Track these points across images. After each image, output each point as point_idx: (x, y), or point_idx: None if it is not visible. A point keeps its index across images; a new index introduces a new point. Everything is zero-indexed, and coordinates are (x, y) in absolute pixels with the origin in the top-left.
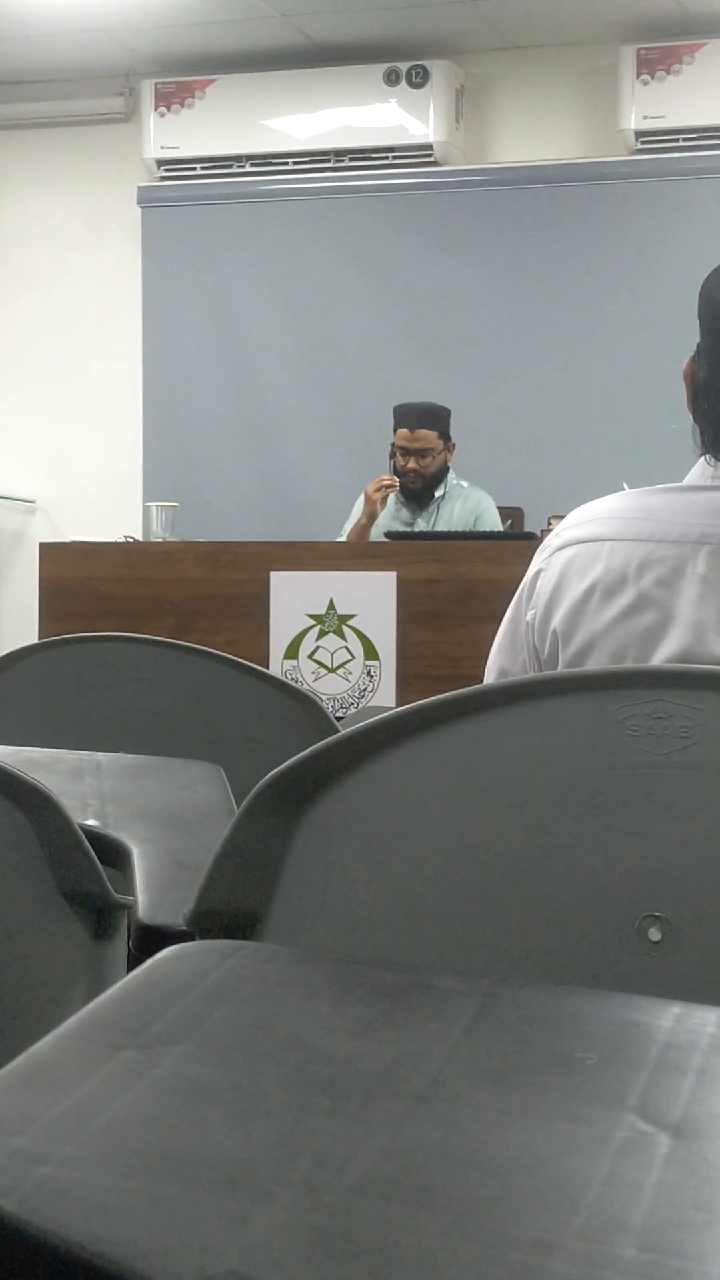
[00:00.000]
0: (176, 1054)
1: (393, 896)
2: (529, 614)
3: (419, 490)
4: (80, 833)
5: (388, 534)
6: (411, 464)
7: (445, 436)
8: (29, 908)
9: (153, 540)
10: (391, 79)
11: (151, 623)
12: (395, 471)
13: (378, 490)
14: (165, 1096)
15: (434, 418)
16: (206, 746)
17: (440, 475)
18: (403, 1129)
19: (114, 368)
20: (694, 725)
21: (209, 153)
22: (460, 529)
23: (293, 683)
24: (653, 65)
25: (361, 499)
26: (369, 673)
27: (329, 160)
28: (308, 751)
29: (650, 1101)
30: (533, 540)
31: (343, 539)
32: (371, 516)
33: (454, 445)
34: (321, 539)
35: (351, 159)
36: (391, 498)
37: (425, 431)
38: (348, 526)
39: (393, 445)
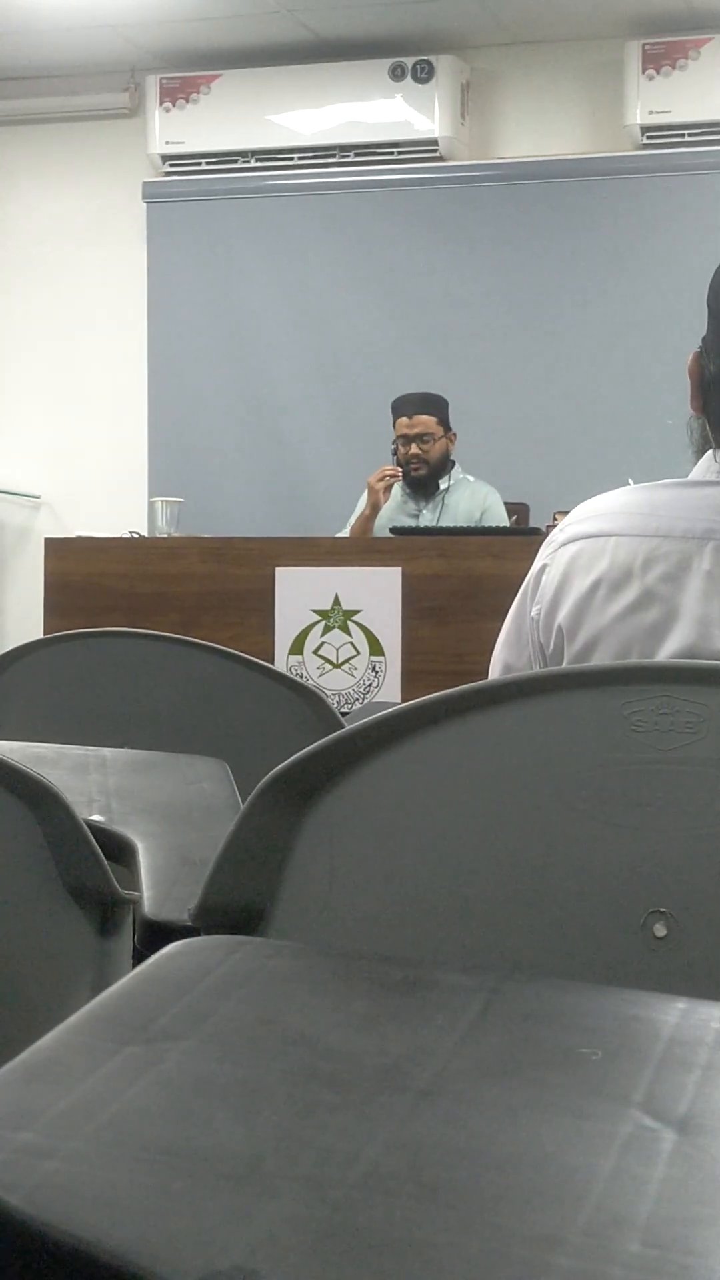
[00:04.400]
0: (181, 1049)
1: (397, 892)
2: (534, 609)
3: (423, 478)
4: (85, 828)
5: (393, 529)
6: (413, 450)
7: (444, 424)
8: (34, 903)
9: (158, 536)
10: (397, 74)
11: (156, 618)
12: (398, 463)
13: (380, 480)
14: (170, 1092)
15: (431, 404)
16: (211, 742)
17: (443, 464)
18: (408, 1124)
19: (119, 363)
20: (700, 720)
21: (214, 148)
22: (467, 522)
23: (298, 678)
24: (658, 60)
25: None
26: (374, 668)
27: (334, 155)
28: (312, 747)
29: (656, 1097)
30: (538, 536)
31: (345, 533)
32: (375, 507)
33: (455, 435)
34: (327, 535)
35: (357, 154)
36: (397, 490)
37: (423, 417)
38: (352, 520)
39: (394, 440)
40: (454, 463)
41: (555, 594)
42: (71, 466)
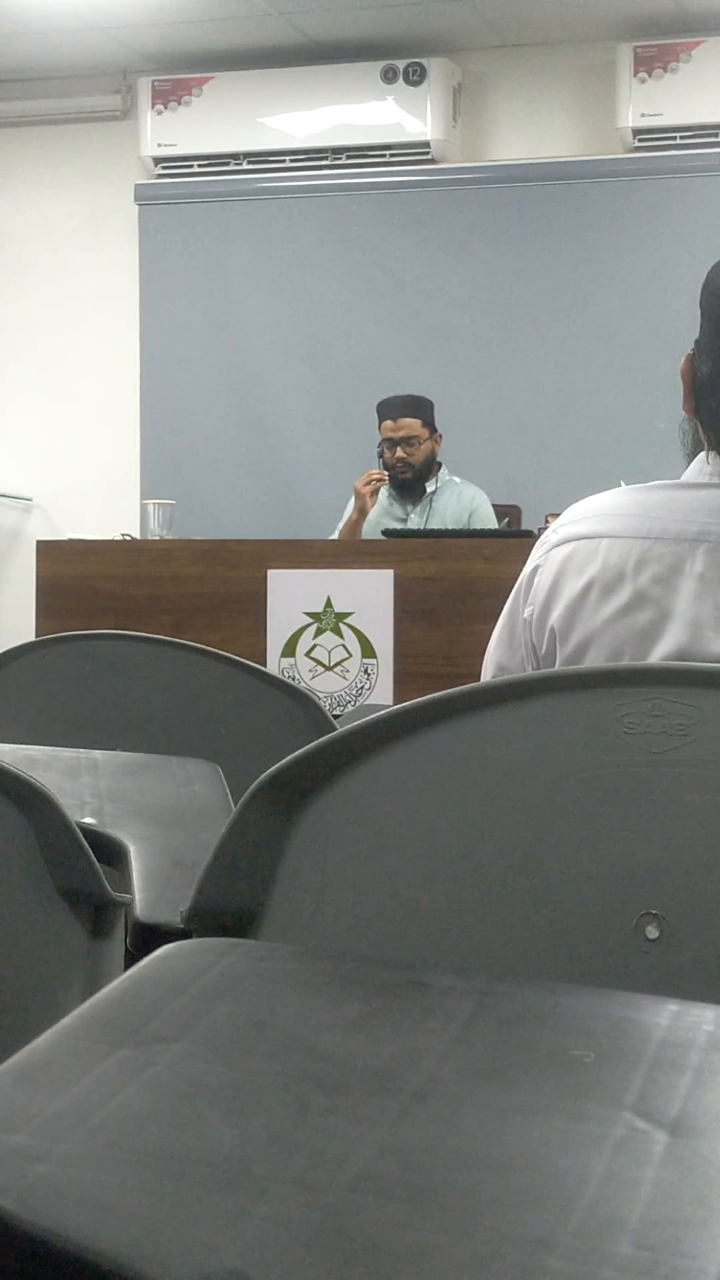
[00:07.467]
0: (173, 1052)
1: (389, 894)
2: (526, 611)
3: (409, 480)
4: (77, 830)
5: (385, 532)
6: (399, 453)
7: (430, 426)
8: (26, 905)
9: (150, 538)
10: (389, 77)
11: (149, 621)
12: (384, 466)
13: (366, 484)
14: (162, 1094)
15: (415, 406)
16: (204, 744)
17: (429, 466)
18: (400, 1127)
19: (111, 365)
20: (691, 723)
21: (206, 150)
22: (454, 524)
23: (290, 681)
24: (650, 63)
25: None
26: (366, 671)
27: (326, 158)
28: (305, 749)
29: (647, 1099)
30: (530, 538)
31: (335, 537)
32: (362, 511)
33: (440, 436)
34: (319, 537)
35: (349, 157)
36: (383, 494)
37: (408, 420)
38: (340, 525)
39: (379, 444)
40: (440, 464)
41: (548, 595)
42: (64, 469)
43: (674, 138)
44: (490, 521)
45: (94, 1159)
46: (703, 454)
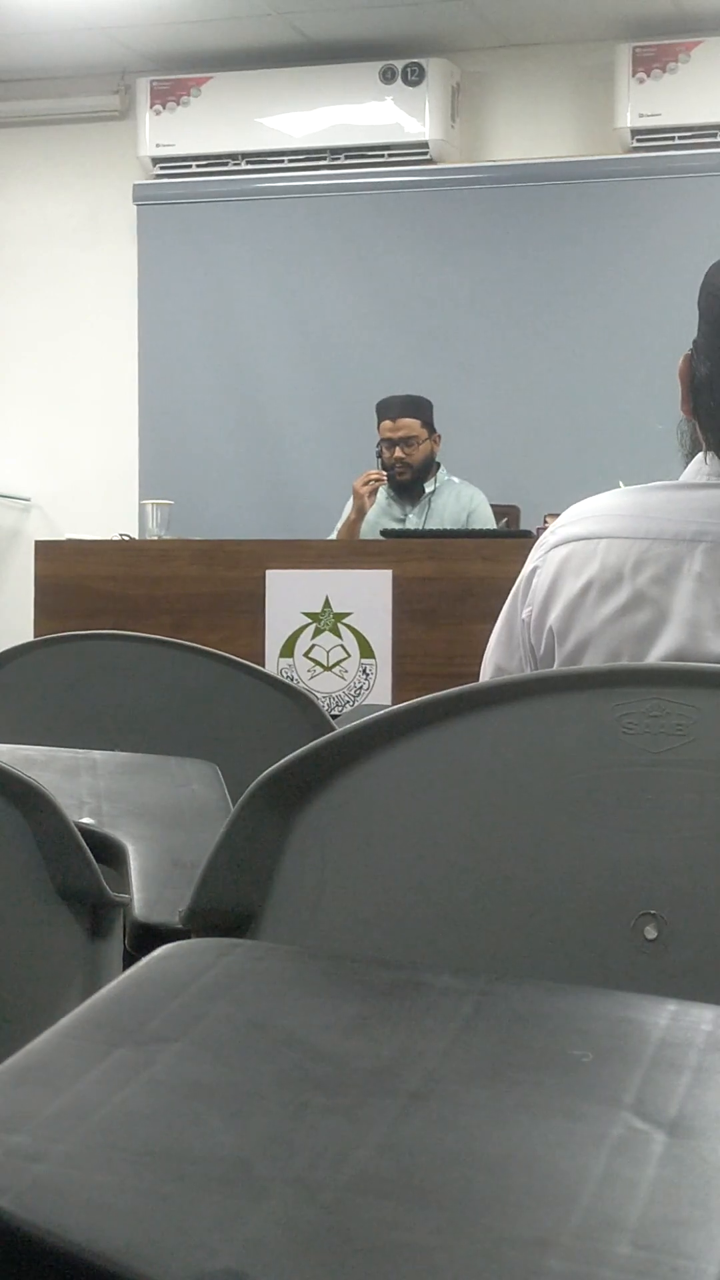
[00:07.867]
0: (172, 1052)
1: (388, 894)
2: (524, 611)
3: (408, 481)
4: (76, 831)
5: (384, 532)
6: (397, 453)
7: (429, 426)
8: (25, 906)
9: (148, 538)
10: (387, 77)
11: (147, 621)
12: (383, 466)
13: (365, 484)
14: (161, 1094)
15: (415, 406)
16: (202, 745)
17: (427, 466)
18: (398, 1126)
19: (110, 365)
20: (690, 723)
21: (204, 150)
22: (452, 524)
23: (288, 681)
24: (648, 63)
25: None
26: (365, 671)
27: (325, 158)
28: (303, 750)
29: (646, 1099)
30: (529, 538)
31: (334, 537)
32: (360, 512)
33: (439, 437)
34: (317, 537)
35: (347, 157)
36: (382, 494)
37: (407, 420)
38: (339, 525)
39: (378, 444)
40: (439, 465)
41: (546, 596)
42: (62, 469)
43: (673, 138)
44: (488, 521)
45: (93, 1159)
46: (701, 454)
